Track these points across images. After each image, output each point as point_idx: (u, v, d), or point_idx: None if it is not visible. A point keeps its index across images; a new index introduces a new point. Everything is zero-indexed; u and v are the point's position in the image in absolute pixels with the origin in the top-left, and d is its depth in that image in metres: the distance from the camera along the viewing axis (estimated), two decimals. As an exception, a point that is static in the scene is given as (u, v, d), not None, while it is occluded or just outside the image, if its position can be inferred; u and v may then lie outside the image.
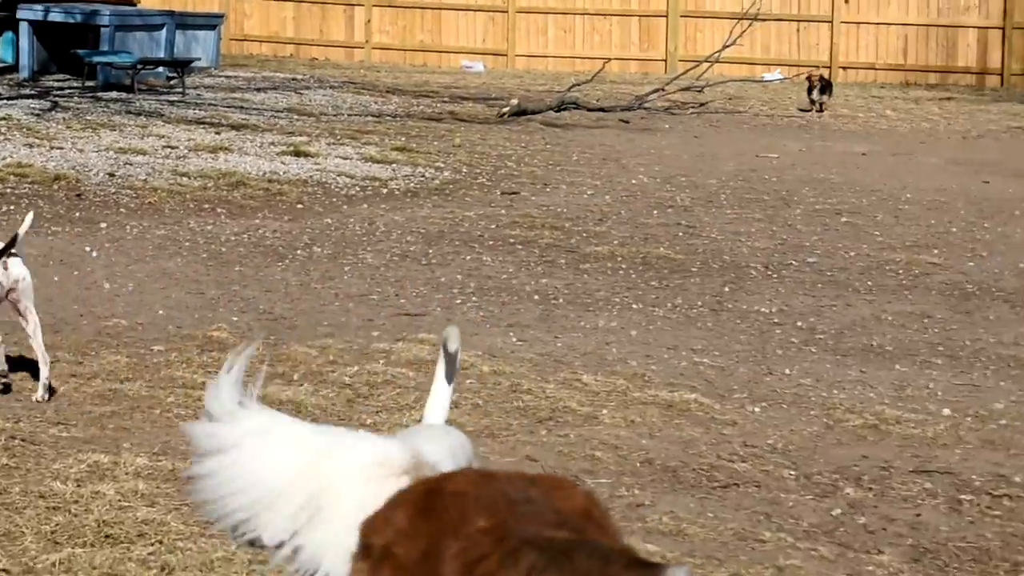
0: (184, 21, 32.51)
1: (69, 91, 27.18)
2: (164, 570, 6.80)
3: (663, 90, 31.50)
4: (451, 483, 3.98)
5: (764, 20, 37.32)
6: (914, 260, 15.99)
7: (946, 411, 10.37)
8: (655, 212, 18.41)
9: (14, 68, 29.22)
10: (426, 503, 3.94)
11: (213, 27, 33.92)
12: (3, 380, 9.69)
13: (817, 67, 34.64)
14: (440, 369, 5.96)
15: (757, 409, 10.23)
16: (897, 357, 11.97)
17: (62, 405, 9.52)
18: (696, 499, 8.31)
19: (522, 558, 3.23)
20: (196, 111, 25.74)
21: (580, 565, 3.05)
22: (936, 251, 16.55)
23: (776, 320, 13.14)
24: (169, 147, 21.36)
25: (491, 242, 16.05)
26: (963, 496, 8.60)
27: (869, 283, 14.79)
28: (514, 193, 19.43)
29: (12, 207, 16.82)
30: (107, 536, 7.20)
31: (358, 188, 19.33)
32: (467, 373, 10.53)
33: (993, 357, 12.09)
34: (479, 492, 3.85)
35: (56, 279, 13.25)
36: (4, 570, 6.80)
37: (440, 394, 5.96)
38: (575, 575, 3.02)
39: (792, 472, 8.88)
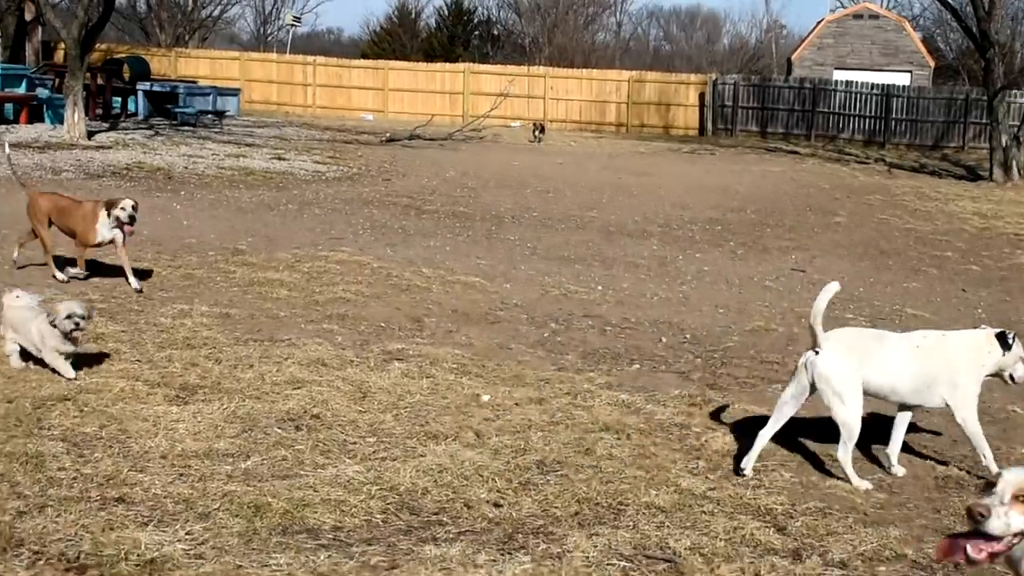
0: (221, 91, 31.84)
1: (163, 126, 26.39)
2: (218, 362, 6.75)
3: (460, 131, 31.41)
4: None
5: (510, 96, 37.55)
6: (584, 215, 16.18)
7: (599, 287, 10.60)
8: (457, 189, 18.35)
9: (135, 114, 28.62)
10: None
11: (236, 94, 33.25)
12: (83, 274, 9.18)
13: (538, 119, 34.89)
14: None
15: (508, 285, 10.33)
16: (576, 261, 12.15)
17: (164, 281, 9.36)
18: (479, 328, 8.41)
19: None
20: (227, 137, 25.03)
21: None
22: (594, 210, 16.76)
23: (517, 243, 13.23)
24: (214, 154, 20.81)
25: (377, 204, 15.86)
26: (607, 328, 8.82)
27: (562, 226, 14.95)
28: (388, 180, 19.21)
29: (135, 183, 16.32)
30: (188, 344, 7.14)
31: (310, 176, 18.96)
32: (364, 268, 10.54)
33: (623, 262, 12.33)
34: None
35: (159, 220, 12.93)
36: (136, 360, 6.73)
37: None
38: None
39: (525, 315, 9.01)
